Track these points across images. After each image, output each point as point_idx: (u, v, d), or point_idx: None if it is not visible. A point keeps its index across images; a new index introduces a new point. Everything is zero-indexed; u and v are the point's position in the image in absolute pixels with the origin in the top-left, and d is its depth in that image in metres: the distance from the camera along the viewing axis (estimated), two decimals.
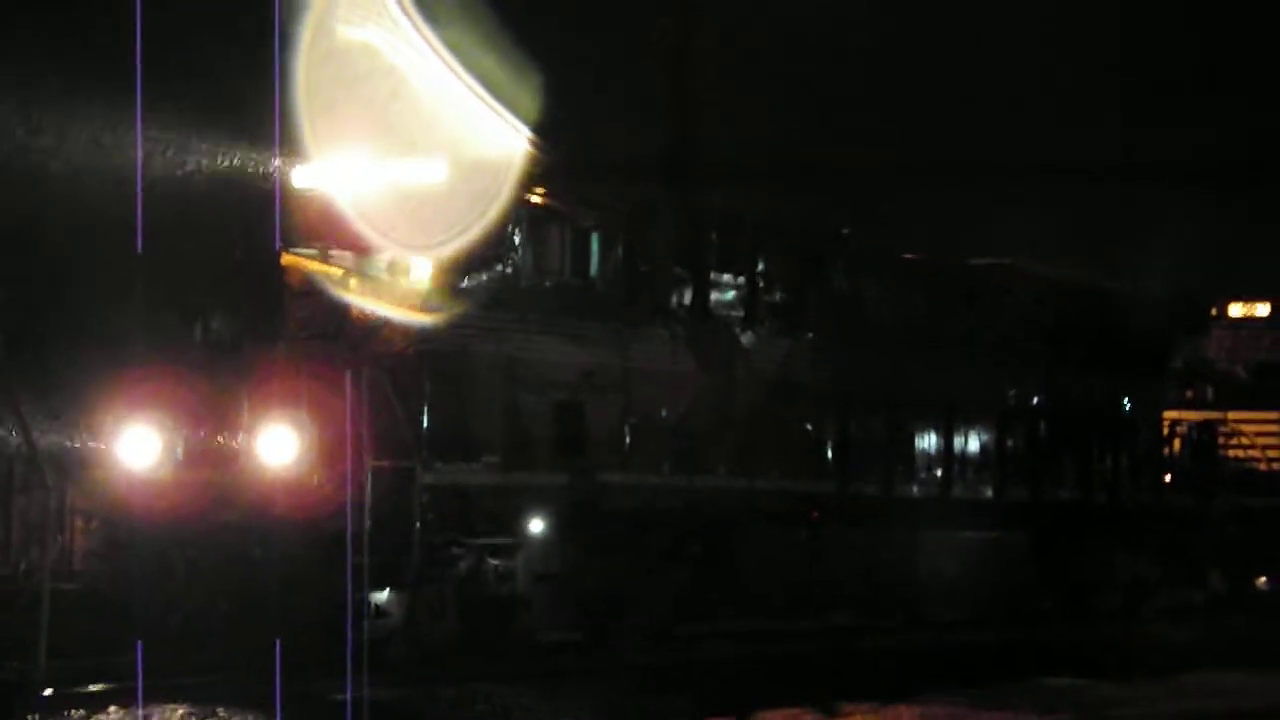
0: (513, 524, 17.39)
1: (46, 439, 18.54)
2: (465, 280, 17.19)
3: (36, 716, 12.75)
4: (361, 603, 15.65)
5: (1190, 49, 37.78)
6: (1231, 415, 28.45)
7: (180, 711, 14.04)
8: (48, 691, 14.06)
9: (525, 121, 18.32)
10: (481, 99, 18.15)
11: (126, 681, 14.59)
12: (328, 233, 17.14)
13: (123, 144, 17.05)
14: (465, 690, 15.76)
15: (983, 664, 19.84)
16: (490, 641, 17.22)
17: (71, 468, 20.08)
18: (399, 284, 16.87)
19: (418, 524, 16.29)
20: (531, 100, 18.63)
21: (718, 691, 16.13)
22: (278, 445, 16.16)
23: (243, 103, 17.09)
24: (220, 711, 14.13)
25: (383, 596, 16.30)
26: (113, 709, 13.74)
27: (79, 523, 21.16)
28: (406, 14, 18.15)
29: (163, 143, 17.08)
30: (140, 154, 16.68)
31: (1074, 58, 36.51)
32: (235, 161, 17.22)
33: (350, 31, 17.59)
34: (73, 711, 13.35)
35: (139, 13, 15.73)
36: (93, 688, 14.34)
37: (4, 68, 18.07)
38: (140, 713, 13.91)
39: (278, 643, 14.84)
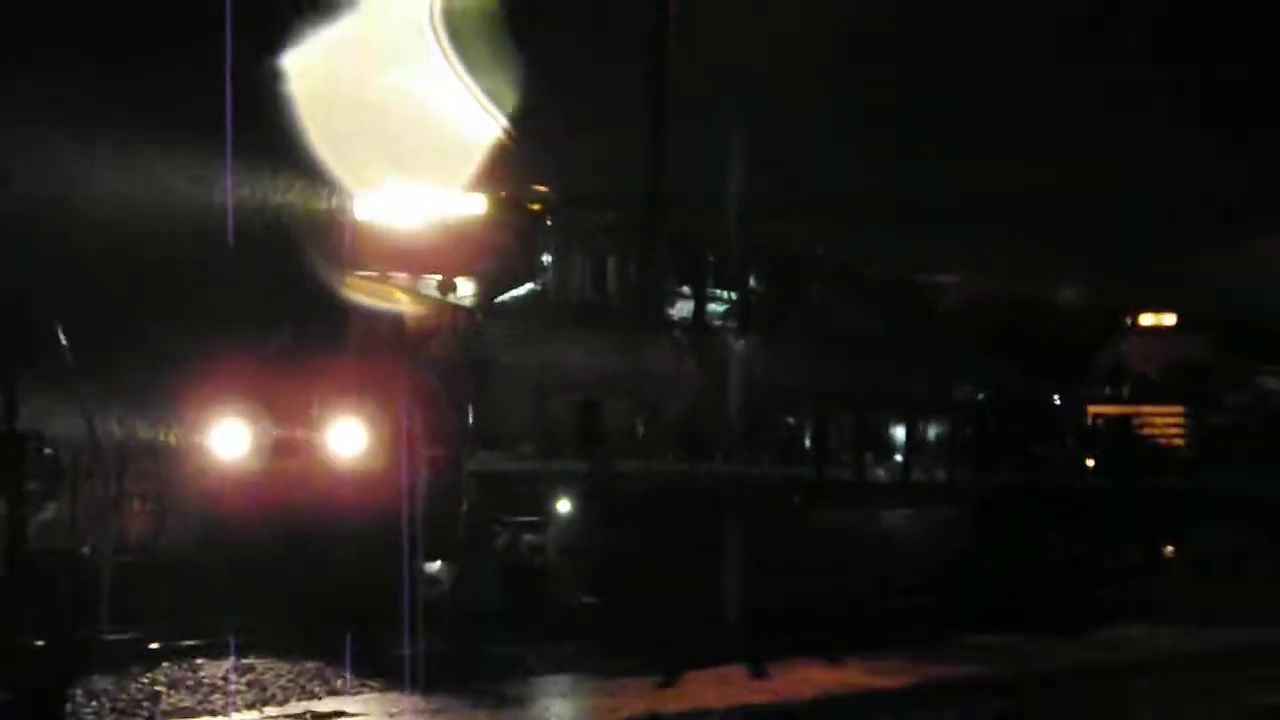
0: (543, 505, 17.43)
1: (116, 433, 18.52)
2: (502, 297, 17.33)
3: (99, 672, 12.60)
4: (417, 572, 15.72)
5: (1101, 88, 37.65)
6: (1144, 409, 28.57)
7: (228, 664, 14.09)
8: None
9: (552, 157, 18.47)
10: (515, 140, 18.29)
11: (195, 640, 14.68)
12: (388, 258, 17.24)
13: (214, 180, 17.12)
14: (511, 646, 15.90)
15: (933, 622, 19.80)
16: (524, 604, 17.24)
17: (153, 458, 20.08)
18: (447, 301, 16.97)
19: (464, 505, 16.39)
20: (557, 137, 18.77)
21: (719, 645, 16.20)
22: (347, 439, 16.20)
23: (319, 149, 17.18)
24: (255, 662, 14.22)
25: (435, 567, 16.36)
26: (165, 664, 13.71)
27: (135, 505, 21.22)
28: (453, 67, 18.29)
29: (251, 181, 17.11)
30: (230, 189, 16.75)
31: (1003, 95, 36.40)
32: (312, 198, 17.29)
33: (409, 86, 17.72)
34: (133, 667, 13.28)
35: (229, 70, 15.79)
36: (152, 645, 14.27)
37: (122, 118, 18.11)
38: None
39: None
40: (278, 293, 16.85)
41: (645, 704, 13.63)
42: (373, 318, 16.68)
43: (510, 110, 19.18)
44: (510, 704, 13.58)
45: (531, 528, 17.25)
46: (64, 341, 6.91)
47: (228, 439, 16.52)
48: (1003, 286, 26.49)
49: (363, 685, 14.01)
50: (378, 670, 14.42)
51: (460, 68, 18.50)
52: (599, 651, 16.13)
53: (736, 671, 15.50)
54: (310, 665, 14.31)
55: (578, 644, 16.33)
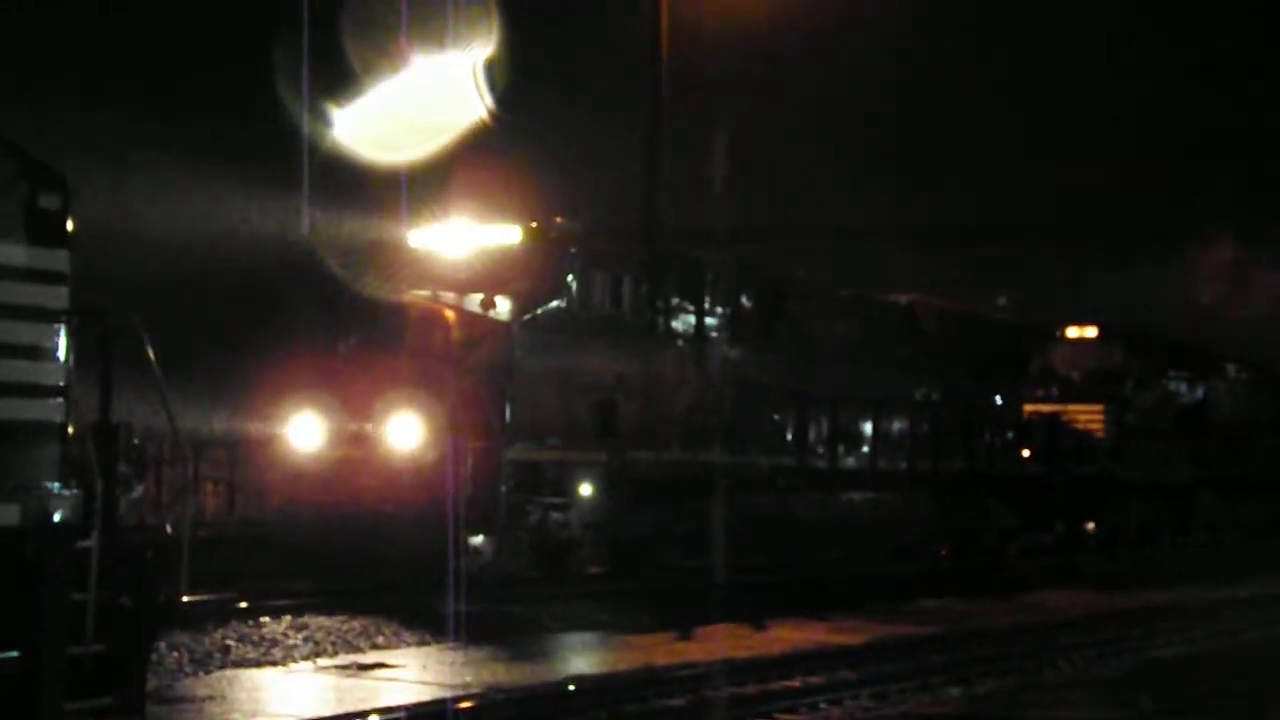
0: (568, 488, 17.44)
1: (201, 426, 18.47)
2: (534, 312, 17.22)
3: (179, 629, 12.74)
4: (463, 544, 15.80)
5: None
6: (1070, 408, 28.75)
7: (288, 622, 14.04)
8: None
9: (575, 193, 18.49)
10: (545, 176, 18.35)
11: (260, 602, 14.70)
12: (438, 279, 17.25)
13: (290, 213, 17.25)
14: (535, 607, 16.08)
15: (891, 588, 19.86)
16: (552, 572, 17.38)
17: (224, 447, 20.03)
18: (487, 315, 16.89)
19: (503, 488, 16.42)
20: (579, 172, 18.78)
21: (712, 609, 16.14)
22: (404, 431, 16.23)
23: (378, 187, 17.28)
24: (309, 620, 14.05)
25: (478, 540, 16.41)
26: (234, 622, 13.68)
27: (209, 487, 21.14)
28: (492, 114, 18.40)
29: (327, 212, 17.22)
30: (308, 219, 16.86)
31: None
32: (374, 227, 17.40)
33: (454, 128, 17.78)
34: (208, 624, 13.36)
35: (307, 120, 15.93)
36: (224, 607, 14.25)
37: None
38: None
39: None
40: (346, 307, 16.91)
41: (642, 658, 13.72)
42: (425, 328, 16.64)
43: (540, 149, 19.30)
44: (527, 657, 13.62)
45: (558, 508, 17.27)
46: (147, 344, 7.16)
47: (303, 430, 16.68)
48: (951, 302, 26.63)
49: (402, 641, 14.06)
50: (423, 628, 14.49)
51: (498, 113, 18.59)
52: (611, 612, 16.25)
53: (722, 630, 15.59)
54: (358, 624, 14.33)
55: (594, 606, 16.45)
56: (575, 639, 15.00)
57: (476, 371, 16.45)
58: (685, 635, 15.29)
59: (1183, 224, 36.07)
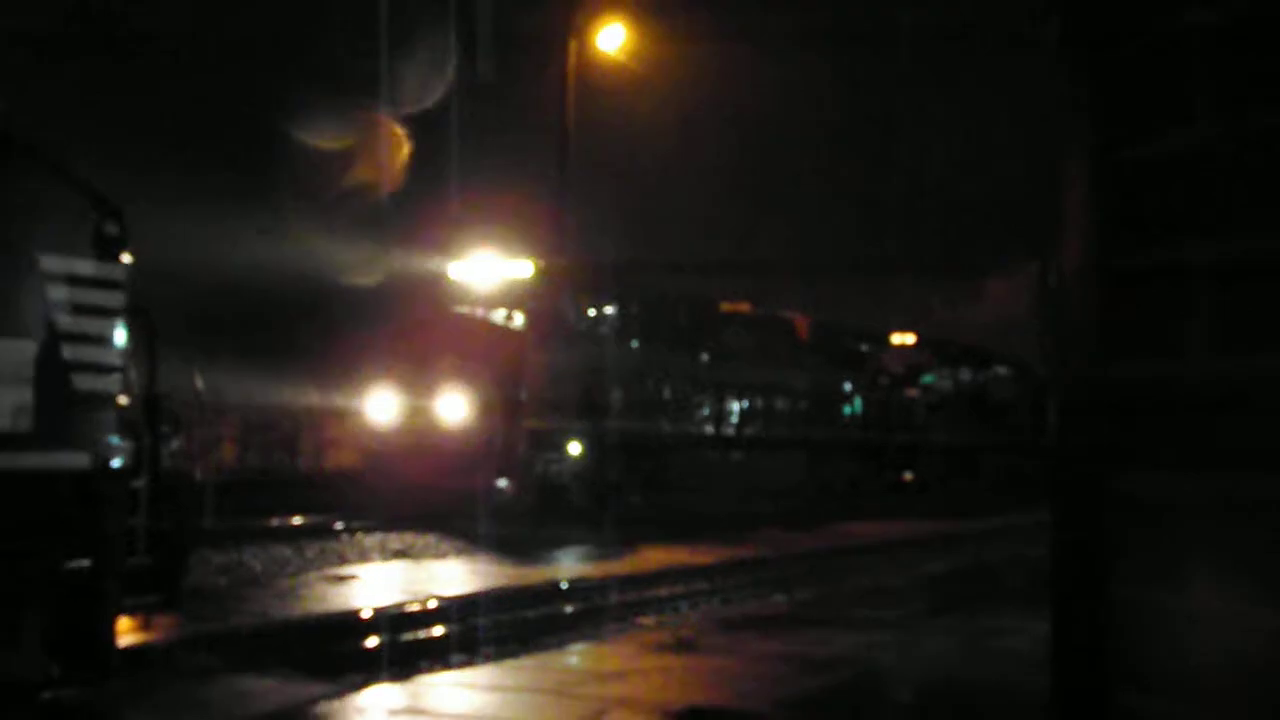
0: (562, 448, 18.24)
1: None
2: (544, 324, 18.04)
3: (207, 547, 12.29)
4: (494, 485, 16.72)
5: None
6: (895, 393, 29.90)
7: (286, 546, 13.29)
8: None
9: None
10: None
11: (268, 529, 14.00)
12: (473, 299, 18.02)
13: (372, 252, 17.71)
14: (540, 528, 16.61)
15: (751, 523, 19.51)
16: (550, 506, 18.05)
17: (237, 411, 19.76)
18: (511, 327, 17.75)
19: (520, 447, 17.31)
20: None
21: (622, 536, 16.38)
22: (454, 408, 17.11)
23: (430, 235, 17.85)
24: (305, 543, 13.54)
25: (503, 483, 17.19)
26: (246, 544, 12.99)
27: (228, 443, 21.20)
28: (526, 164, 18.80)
29: (390, 253, 17.74)
30: (383, 257, 17.36)
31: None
32: (428, 264, 18.01)
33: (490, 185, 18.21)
34: (227, 545, 12.70)
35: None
36: (239, 532, 13.35)
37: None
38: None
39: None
40: (408, 319, 17.62)
41: (552, 573, 13.67)
42: (467, 335, 17.48)
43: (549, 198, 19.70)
44: (468, 575, 13.14)
45: (556, 461, 18.12)
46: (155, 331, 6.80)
47: (381, 406, 17.48)
48: (821, 317, 27.66)
49: (366, 560, 13.58)
50: (452, 543, 14.52)
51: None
52: (575, 539, 16.40)
53: (617, 551, 15.65)
54: (335, 546, 13.78)
55: (568, 531, 16.71)
56: (521, 555, 14.67)
57: (500, 364, 17.22)
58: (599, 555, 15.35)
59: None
